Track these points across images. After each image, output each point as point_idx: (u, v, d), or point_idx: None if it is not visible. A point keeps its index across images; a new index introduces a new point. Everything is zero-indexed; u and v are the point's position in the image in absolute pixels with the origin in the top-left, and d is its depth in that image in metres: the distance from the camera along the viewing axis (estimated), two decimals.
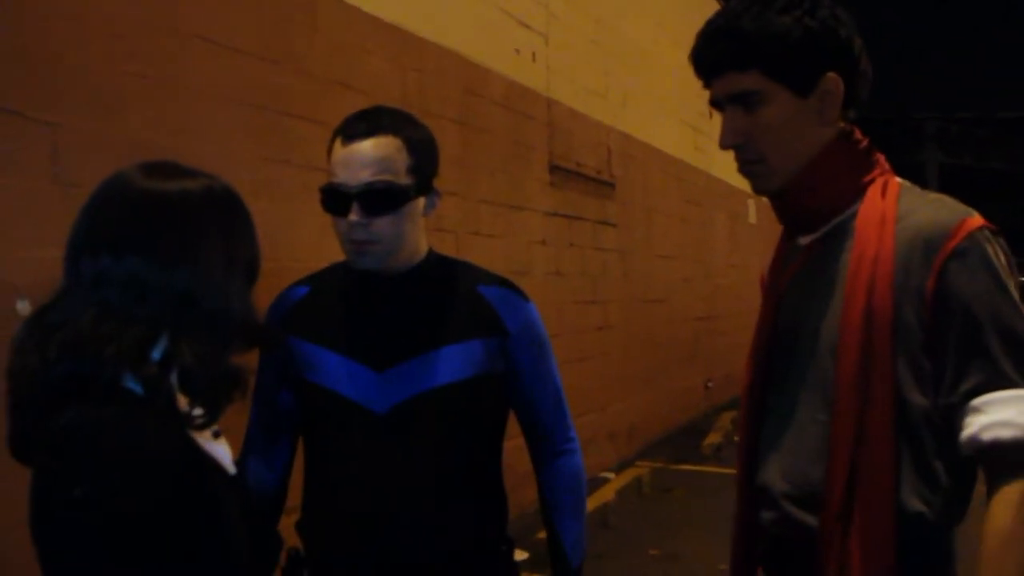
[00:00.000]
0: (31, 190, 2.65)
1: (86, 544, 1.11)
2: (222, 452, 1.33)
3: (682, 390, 8.93)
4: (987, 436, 1.34)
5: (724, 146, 1.56)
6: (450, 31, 4.95)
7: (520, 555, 5.02)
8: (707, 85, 1.57)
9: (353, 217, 1.70)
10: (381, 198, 1.71)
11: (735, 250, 10.54)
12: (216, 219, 1.29)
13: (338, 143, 1.75)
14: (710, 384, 9.62)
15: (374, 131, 1.73)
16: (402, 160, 1.73)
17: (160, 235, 1.25)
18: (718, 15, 1.55)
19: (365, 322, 1.82)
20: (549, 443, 1.96)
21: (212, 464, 1.26)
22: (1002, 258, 1.42)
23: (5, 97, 2.60)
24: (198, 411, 1.23)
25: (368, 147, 1.71)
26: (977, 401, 1.36)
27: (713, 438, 8.23)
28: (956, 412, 1.39)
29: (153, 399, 1.18)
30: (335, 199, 1.73)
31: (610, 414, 7.06)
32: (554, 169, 6.23)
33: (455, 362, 1.79)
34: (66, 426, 1.14)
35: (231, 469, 1.33)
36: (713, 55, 1.53)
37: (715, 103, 1.57)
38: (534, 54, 6.01)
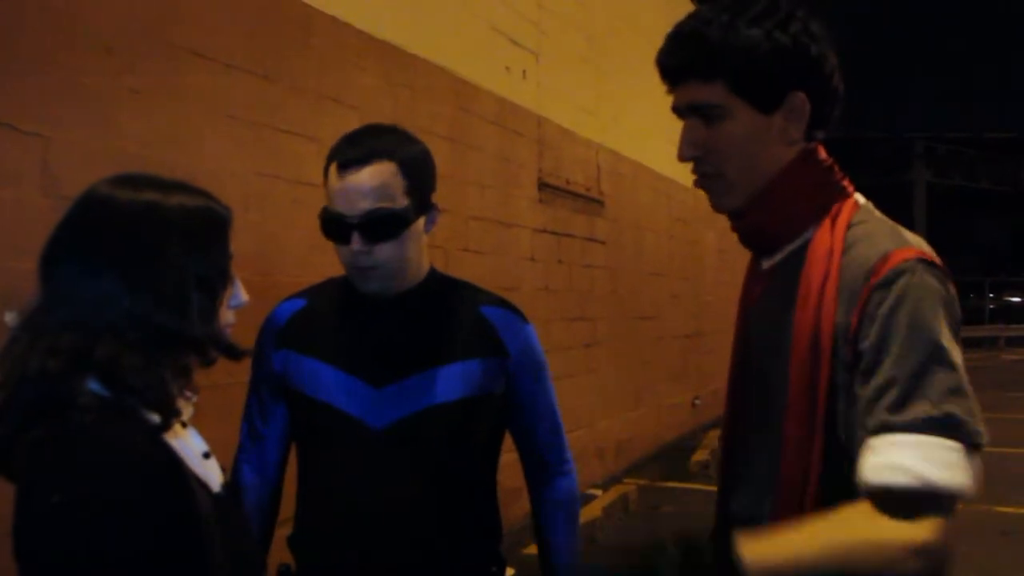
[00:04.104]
0: (22, 202, 2.66)
1: (63, 552, 1.12)
2: (209, 472, 1.34)
3: (670, 407, 8.94)
4: (877, 480, 1.25)
5: (682, 158, 1.49)
6: (441, 48, 4.98)
7: (507, 572, 5.01)
8: (670, 91, 1.50)
9: (355, 246, 1.70)
10: (381, 226, 1.70)
11: (724, 268, 10.58)
12: (179, 233, 1.29)
13: (333, 171, 1.73)
14: (698, 401, 9.63)
15: (369, 158, 1.71)
16: (398, 184, 1.72)
17: (110, 246, 1.26)
18: (687, 19, 1.47)
19: (365, 338, 1.81)
20: (545, 465, 1.97)
21: (194, 477, 1.27)
22: (935, 289, 1.32)
23: None
24: (154, 417, 1.24)
25: (364, 177, 1.70)
26: (878, 440, 1.26)
27: (700, 455, 8.24)
28: (862, 449, 1.29)
29: (122, 406, 1.21)
30: (335, 227, 1.73)
31: (598, 431, 7.06)
32: (543, 186, 6.26)
33: (455, 381, 1.78)
34: (42, 437, 1.16)
35: (215, 488, 1.34)
36: (677, 62, 1.46)
37: (676, 110, 1.50)
38: (525, 72, 6.05)
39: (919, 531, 1.22)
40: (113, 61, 2.95)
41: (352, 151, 1.73)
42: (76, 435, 1.16)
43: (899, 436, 1.25)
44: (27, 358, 1.21)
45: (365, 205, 1.69)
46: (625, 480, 7.28)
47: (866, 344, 1.31)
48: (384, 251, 1.72)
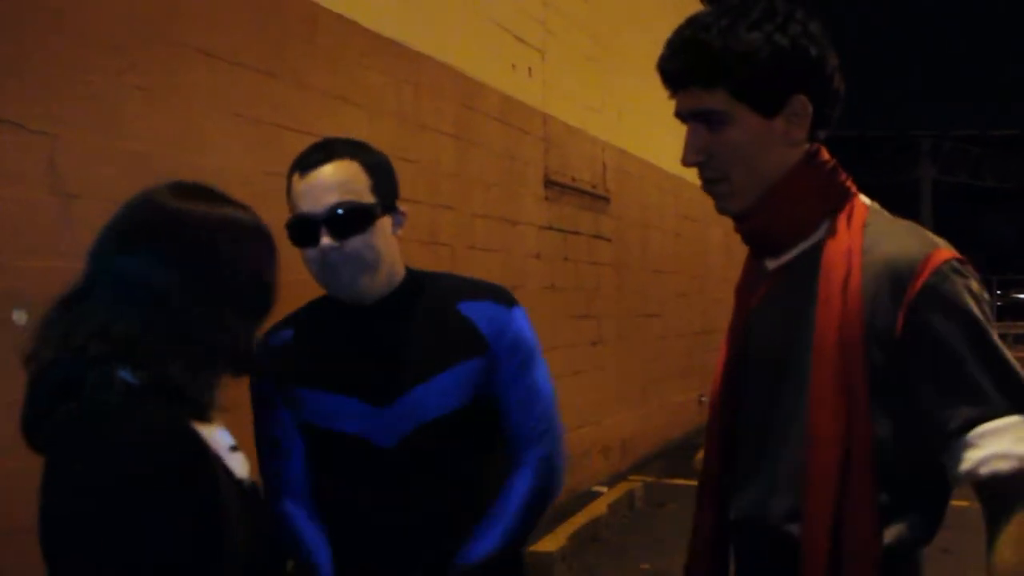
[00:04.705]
0: (29, 200, 2.67)
1: (81, 528, 1.15)
2: (235, 464, 1.37)
3: (676, 405, 8.94)
4: (985, 471, 1.30)
5: (686, 163, 1.50)
6: (447, 46, 4.98)
7: None
8: (672, 96, 1.51)
9: (325, 241, 1.70)
10: (349, 220, 1.70)
11: (730, 265, 10.56)
12: (238, 248, 1.36)
13: (296, 177, 1.76)
14: (704, 399, 9.62)
15: (331, 157, 1.73)
16: (362, 181, 1.73)
17: (170, 252, 1.30)
18: (687, 24, 1.47)
19: (358, 358, 1.81)
20: (519, 447, 1.87)
21: (219, 462, 1.31)
22: (974, 287, 1.38)
23: (4, 108, 2.61)
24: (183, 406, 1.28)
25: (328, 172, 1.72)
26: (970, 435, 1.32)
27: None
28: (949, 448, 1.34)
29: (152, 394, 1.24)
30: (303, 229, 1.73)
31: (604, 428, 7.06)
32: (549, 183, 6.26)
33: (451, 389, 1.78)
34: (71, 413, 1.20)
35: (241, 475, 1.37)
36: (678, 68, 1.47)
37: (679, 115, 1.51)
38: (530, 69, 6.05)
39: None
40: (119, 59, 2.96)
41: (314, 155, 1.76)
42: (103, 414, 1.19)
43: (989, 425, 1.31)
44: (67, 338, 1.24)
45: (331, 199, 1.70)
46: (631, 477, 7.29)
47: (923, 352, 1.35)
48: (354, 244, 1.71)
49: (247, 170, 3.48)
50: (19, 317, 2.58)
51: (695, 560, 1.67)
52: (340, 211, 1.70)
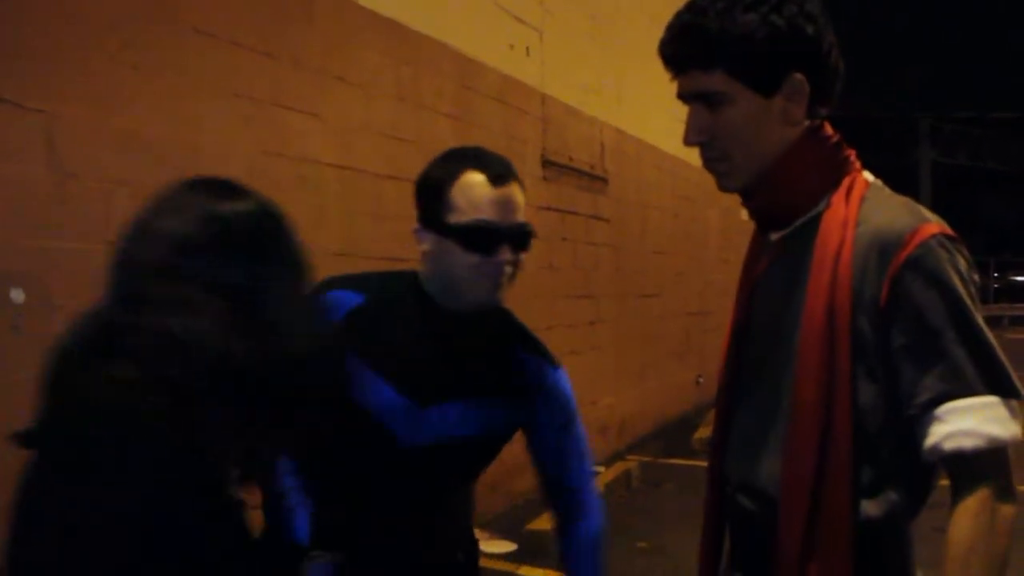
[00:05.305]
0: (26, 178, 2.67)
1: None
2: None
3: (673, 385, 8.97)
4: (949, 446, 1.33)
5: (688, 143, 1.53)
6: (445, 25, 4.96)
7: (508, 546, 5.05)
8: (674, 79, 1.53)
9: (507, 255, 1.73)
10: (526, 239, 1.78)
11: (728, 246, 10.58)
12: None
13: (485, 183, 1.73)
14: (701, 379, 9.65)
15: (514, 177, 1.78)
16: (523, 206, 1.81)
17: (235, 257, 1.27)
18: (685, 8, 1.49)
19: (419, 355, 1.81)
20: (571, 508, 1.97)
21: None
22: (961, 264, 1.39)
23: (1, 86, 2.61)
24: None
25: (514, 191, 1.77)
26: (939, 410, 1.34)
27: (703, 432, 8.26)
28: (918, 421, 1.36)
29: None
30: (486, 238, 1.72)
31: (601, 408, 7.09)
32: (547, 164, 6.25)
33: (480, 416, 1.84)
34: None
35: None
36: (677, 53, 1.49)
37: (681, 97, 1.54)
38: (528, 49, 6.03)
39: (1002, 492, 1.33)
40: (116, 38, 2.95)
41: (497, 166, 1.77)
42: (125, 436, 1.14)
43: (959, 402, 1.33)
44: None
45: (517, 217, 1.76)
46: (628, 457, 7.32)
47: (903, 322, 1.37)
48: (520, 263, 1.78)
49: (245, 149, 3.48)
50: (17, 295, 2.59)
51: (703, 541, 1.70)
52: (524, 231, 1.77)
